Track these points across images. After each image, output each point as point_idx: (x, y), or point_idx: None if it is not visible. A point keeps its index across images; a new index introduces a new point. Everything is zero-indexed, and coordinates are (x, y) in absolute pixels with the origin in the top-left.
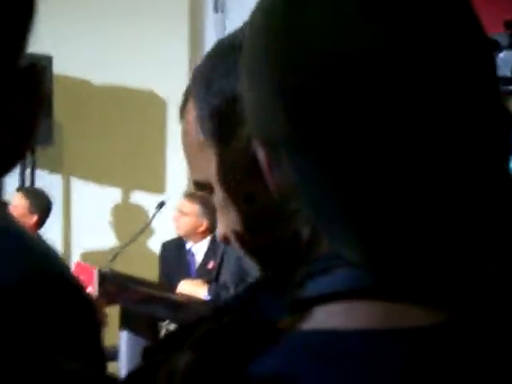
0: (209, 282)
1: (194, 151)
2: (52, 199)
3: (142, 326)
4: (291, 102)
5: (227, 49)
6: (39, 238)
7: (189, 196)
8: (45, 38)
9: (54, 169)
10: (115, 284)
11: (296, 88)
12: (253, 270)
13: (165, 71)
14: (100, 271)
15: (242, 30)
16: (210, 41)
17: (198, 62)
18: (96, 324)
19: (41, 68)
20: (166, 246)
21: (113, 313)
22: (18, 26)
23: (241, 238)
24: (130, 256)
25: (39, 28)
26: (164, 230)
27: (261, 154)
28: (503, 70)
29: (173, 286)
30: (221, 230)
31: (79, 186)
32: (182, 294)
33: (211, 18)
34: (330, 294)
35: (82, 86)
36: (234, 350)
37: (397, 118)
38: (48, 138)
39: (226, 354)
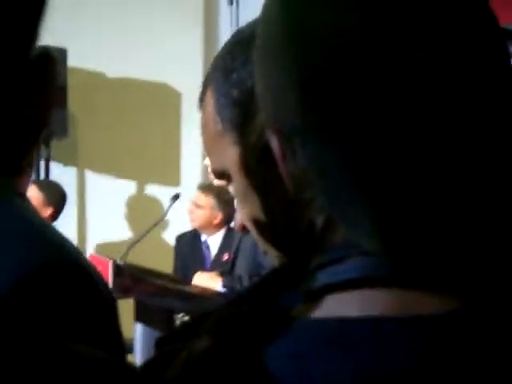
0: (223, 275)
1: (213, 140)
2: (66, 192)
3: (156, 319)
4: (306, 87)
5: (246, 39)
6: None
7: (203, 188)
8: (60, 31)
9: (68, 161)
10: (130, 276)
11: (310, 74)
12: (266, 262)
13: (179, 63)
14: (115, 263)
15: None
16: (224, 33)
17: (213, 54)
18: (114, 313)
19: (52, 59)
20: (181, 239)
21: (128, 306)
22: (30, 15)
23: (260, 226)
24: (145, 248)
25: (54, 21)
26: (179, 222)
27: (274, 144)
28: None
29: (188, 279)
30: (239, 218)
31: (94, 179)
32: (197, 287)
33: (225, 11)
34: (345, 282)
35: (96, 79)
36: (250, 334)
37: (414, 101)
38: (63, 131)
39: (242, 338)
